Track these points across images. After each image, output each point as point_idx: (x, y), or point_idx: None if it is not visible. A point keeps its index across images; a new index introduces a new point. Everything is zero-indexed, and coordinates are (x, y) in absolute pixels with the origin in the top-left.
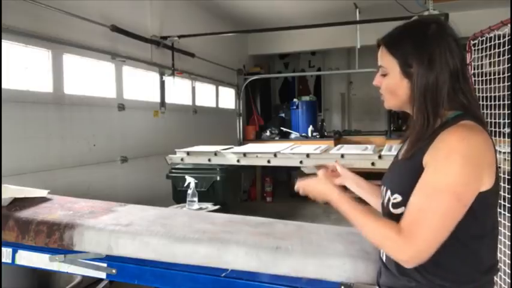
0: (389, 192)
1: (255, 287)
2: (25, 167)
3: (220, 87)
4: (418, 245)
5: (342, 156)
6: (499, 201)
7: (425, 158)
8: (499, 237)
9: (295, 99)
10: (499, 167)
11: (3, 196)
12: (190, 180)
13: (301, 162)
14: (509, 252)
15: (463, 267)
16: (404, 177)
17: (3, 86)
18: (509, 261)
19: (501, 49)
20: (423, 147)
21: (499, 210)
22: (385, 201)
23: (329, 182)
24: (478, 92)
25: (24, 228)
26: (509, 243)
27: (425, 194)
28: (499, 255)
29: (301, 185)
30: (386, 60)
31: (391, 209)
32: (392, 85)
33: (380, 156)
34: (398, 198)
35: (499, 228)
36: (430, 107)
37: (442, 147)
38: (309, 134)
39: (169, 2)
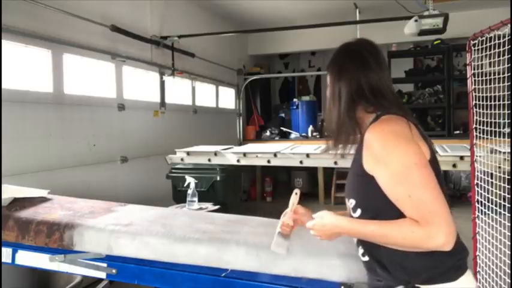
0: (347, 199)
1: (255, 287)
2: (25, 167)
3: (220, 87)
4: (437, 221)
5: (342, 156)
6: (499, 201)
7: (366, 165)
8: (499, 237)
9: (295, 99)
10: (499, 167)
11: (3, 196)
12: (190, 180)
13: (301, 162)
14: (509, 252)
15: (423, 258)
16: (352, 182)
17: (3, 86)
18: (509, 261)
19: (501, 49)
20: (359, 151)
21: (499, 210)
22: (349, 207)
23: (329, 214)
24: (478, 92)
25: (24, 228)
26: (509, 243)
27: (400, 183)
28: (498, 255)
29: (312, 233)
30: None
31: (352, 213)
32: (326, 93)
33: None
34: (353, 202)
35: (496, 226)
36: (338, 110)
37: (373, 144)
38: (309, 134)
39: (169, 2)
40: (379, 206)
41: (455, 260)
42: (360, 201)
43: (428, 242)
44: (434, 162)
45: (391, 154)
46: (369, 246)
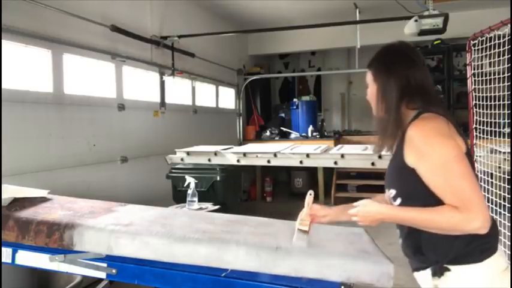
0: (387, 189)
1: (255, 287)
2: (25, 167)
3: (220, 87)
4: (474, 207)
5: (342, 156)
6: (499, 201)
7: (408, 159)
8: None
9: (295, 99)
10: (499, 167)
11: (3, 196)
12: (190, 180)
13: (301, 162)
14: (509, 252)
15: (453, 240)
16: (393, 173)
17: (3, 86)
18: (509, 261)
19: (501, 49)
20: (400, 146)
21: (499, 210)
22: (389, 196)
23: (371, 202)
24: (478, 92)
25: (24, 228)
26: (509, 243)
27: (441, 174)
28: None
29: (355, 219)
30: (368, 75)
31: (392, 202)
32: (368, 92)
33: (380, 156)
34: (393, 192)
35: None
36: (388, 104)
37: (415, 140)
38: (309, 134)
39: (169, 2)
40: (418, 195)
41: (481, 243)
42: (401, 190)
43: (467, 225)
44: (468, 156)
45: (433, 149)
46: (406, 232)
